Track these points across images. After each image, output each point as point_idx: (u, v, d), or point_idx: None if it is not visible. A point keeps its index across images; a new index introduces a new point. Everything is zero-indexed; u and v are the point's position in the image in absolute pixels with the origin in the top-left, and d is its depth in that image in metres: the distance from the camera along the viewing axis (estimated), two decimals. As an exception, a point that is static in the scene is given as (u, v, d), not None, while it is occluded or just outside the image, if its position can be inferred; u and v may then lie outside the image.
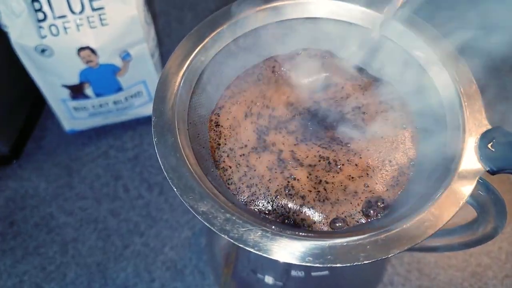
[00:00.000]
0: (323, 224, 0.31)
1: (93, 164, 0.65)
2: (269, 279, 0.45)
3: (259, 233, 0.26)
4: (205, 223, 0.27)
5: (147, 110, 0.67)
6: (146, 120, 0.68)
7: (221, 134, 0.35)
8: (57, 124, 0.67)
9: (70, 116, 0.64)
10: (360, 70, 0.38)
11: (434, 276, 0.56)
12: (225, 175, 0.33)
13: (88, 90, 0.60)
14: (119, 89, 0.62)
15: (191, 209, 0.27)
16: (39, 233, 0.60)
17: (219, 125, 0.35)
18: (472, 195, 0.28)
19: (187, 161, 0.29)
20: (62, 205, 0.62)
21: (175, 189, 0.28)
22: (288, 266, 0.42)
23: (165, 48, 0.73)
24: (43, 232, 0.60)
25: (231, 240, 0.26)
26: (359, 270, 0.50)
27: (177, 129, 0.30)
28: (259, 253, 0.26)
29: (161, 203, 0.62)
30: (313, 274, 0.43)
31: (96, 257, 0.58)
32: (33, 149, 0.67)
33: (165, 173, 0.28)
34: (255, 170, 0.33)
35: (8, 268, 0.58)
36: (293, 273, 0.43)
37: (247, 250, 0.26)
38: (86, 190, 0.63)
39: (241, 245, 0.26)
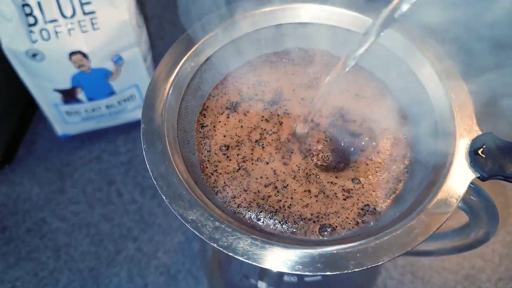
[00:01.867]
0: (313, 231, 0.31)
1: (86, 169, 0.65)
2: (262, 284, 0.44)
3: (249, 241, 0.26)
4: (194, 231, 0.26)
5: (140, 114, 0.66)
6: (139, 124, 0.67)
7: (205, 136, 0.34)
8: (49, 129, 0.66)
9: (63, 120, 0.63)
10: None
11: (428, 279, 0.56)
12: (210, 181, 0.32)
13: (80, 95, 0.60)
14: (112, 93, 0.61)
15: (180, 218, 0.27)
16: (32, 238, 0.60)
17: (204, 126, 0.35)
18: (463, 201, 0.28)
19: (176, 168, 0.29)
20: (54, 210, 0.62)
21: (164, 197, 0.28)
22: (281, 272, 0.42)
23: (158, 51, 0.72)
24: (36, 237, 0.60)
25: (220, 249, 0.26)
26: (352, 275, 0.49)
27: (166, 136, 0.30)
28: (248, 261, 0.26)
29: (154, 207, 0.62)
30: (306, 279, 0.42)
31: (89, 262, 0.58)
32: (25, 153, 0.66)
33: (154, 181, 0.28)
34: (238, 177, 0.32)
35: (0, 274, 0.57)
36: (286, 278, 0.43)
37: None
38: (79, 194, 0.63)
39: (230, 254, 0.26)
